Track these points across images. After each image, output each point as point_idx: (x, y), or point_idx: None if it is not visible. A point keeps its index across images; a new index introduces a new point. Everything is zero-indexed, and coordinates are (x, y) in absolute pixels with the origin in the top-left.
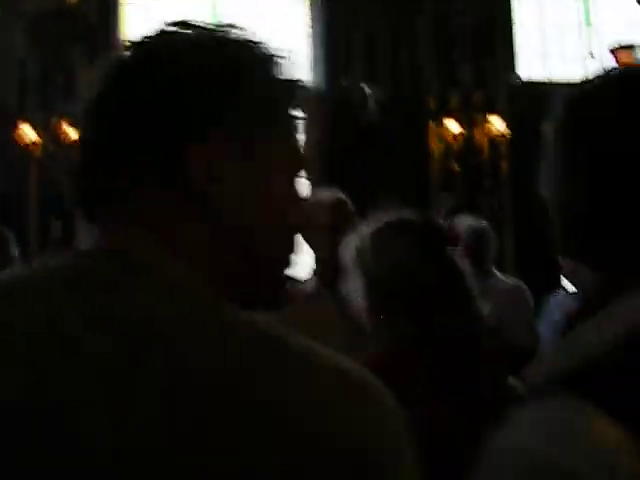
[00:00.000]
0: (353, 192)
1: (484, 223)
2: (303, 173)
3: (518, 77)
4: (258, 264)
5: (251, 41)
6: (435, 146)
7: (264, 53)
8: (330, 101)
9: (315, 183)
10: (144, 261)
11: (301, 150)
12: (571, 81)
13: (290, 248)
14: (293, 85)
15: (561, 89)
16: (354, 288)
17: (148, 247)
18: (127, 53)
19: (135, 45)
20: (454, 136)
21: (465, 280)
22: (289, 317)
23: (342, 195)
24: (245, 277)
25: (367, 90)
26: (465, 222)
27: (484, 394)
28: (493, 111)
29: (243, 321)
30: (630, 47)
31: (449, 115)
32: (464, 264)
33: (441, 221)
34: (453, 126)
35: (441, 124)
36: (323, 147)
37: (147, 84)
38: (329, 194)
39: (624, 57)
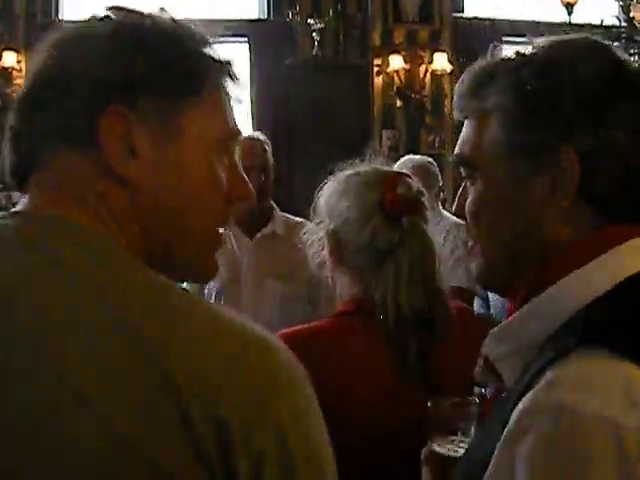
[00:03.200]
0: (296, 126)
1: (429, 159)
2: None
3: (463, 13)
4: (184, 236)
5: (171, 21)
6: (378, 82)
7: (180, 30)
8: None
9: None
10: (54, 217)
11: (230, 123)
12: (514, 19)
13: (218, 223)
14: (216, 60)
15: (505, 27)
16: (316, 236)
17: (62, 210)
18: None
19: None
20: (397, 72)
21: (427, 247)
22: None
23: (259, 136)
24: (170, 247)
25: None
26: (410, 160)
27: (430, 377)
28: (437, 47)
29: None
30: None
31: (393, 51)
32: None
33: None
34: (397, 62)
35: (385, 60)
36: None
37: (61, 60)
38: (247, 135)
39: None
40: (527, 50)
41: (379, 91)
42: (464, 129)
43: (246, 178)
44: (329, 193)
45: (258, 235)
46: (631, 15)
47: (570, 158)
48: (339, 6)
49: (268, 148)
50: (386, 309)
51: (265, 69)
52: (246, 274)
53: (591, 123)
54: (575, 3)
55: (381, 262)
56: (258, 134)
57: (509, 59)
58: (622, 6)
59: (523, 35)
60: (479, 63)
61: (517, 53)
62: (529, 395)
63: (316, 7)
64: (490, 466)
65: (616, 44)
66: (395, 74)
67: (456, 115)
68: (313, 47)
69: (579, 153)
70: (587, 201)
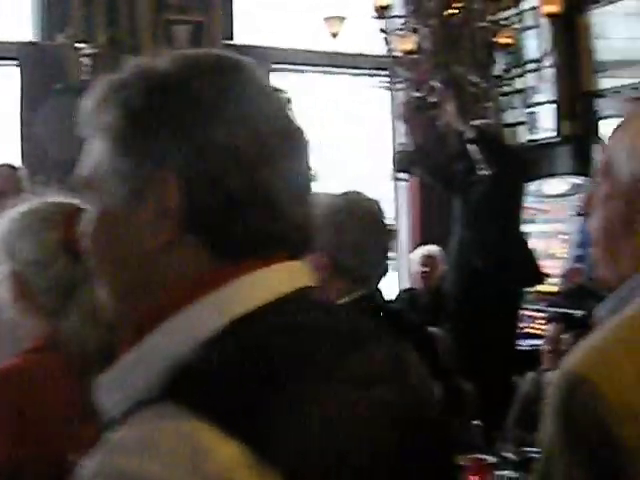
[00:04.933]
0: (67, 152)
1: None
2: None
3: (232, 41)
4: None
5: None
6: None
7: None
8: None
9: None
10: None
11: None
12: (285, 48)
13: None
14: None
15: (276, 55)
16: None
17: None
18: None
19: None
20: None
21: None
22: None
23: (10, 163)
24: None
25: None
26: None
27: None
28: None
29: None
30: (338, 18)
31: None
32: None
33: None
34: None
35: None
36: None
37: None
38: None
39: (335, 27)
40: (144, 65)
41: None
42: (86, 148)
43: None
44: (6, 231)
45: None
46: (391, 46)
47: (169, 188)
48: (110, 31)
49: (21, 175)
50: (71, 347)
51: (35, 93)
52: None
53: (191, 148)
54: (337, 33)
55: (66, 302)
56: (10, 162)
57: (125, 74)
58: (385, 38)
59: (294, 64)
60: (109, 77)
61: (133, 68)
62: (92, 457)
63: (87, 31)
64: None
65: (384, 73)
66: None
67: (81, 133)
68: (84, 72)
69: (181, 181)
70: (195, 234)
